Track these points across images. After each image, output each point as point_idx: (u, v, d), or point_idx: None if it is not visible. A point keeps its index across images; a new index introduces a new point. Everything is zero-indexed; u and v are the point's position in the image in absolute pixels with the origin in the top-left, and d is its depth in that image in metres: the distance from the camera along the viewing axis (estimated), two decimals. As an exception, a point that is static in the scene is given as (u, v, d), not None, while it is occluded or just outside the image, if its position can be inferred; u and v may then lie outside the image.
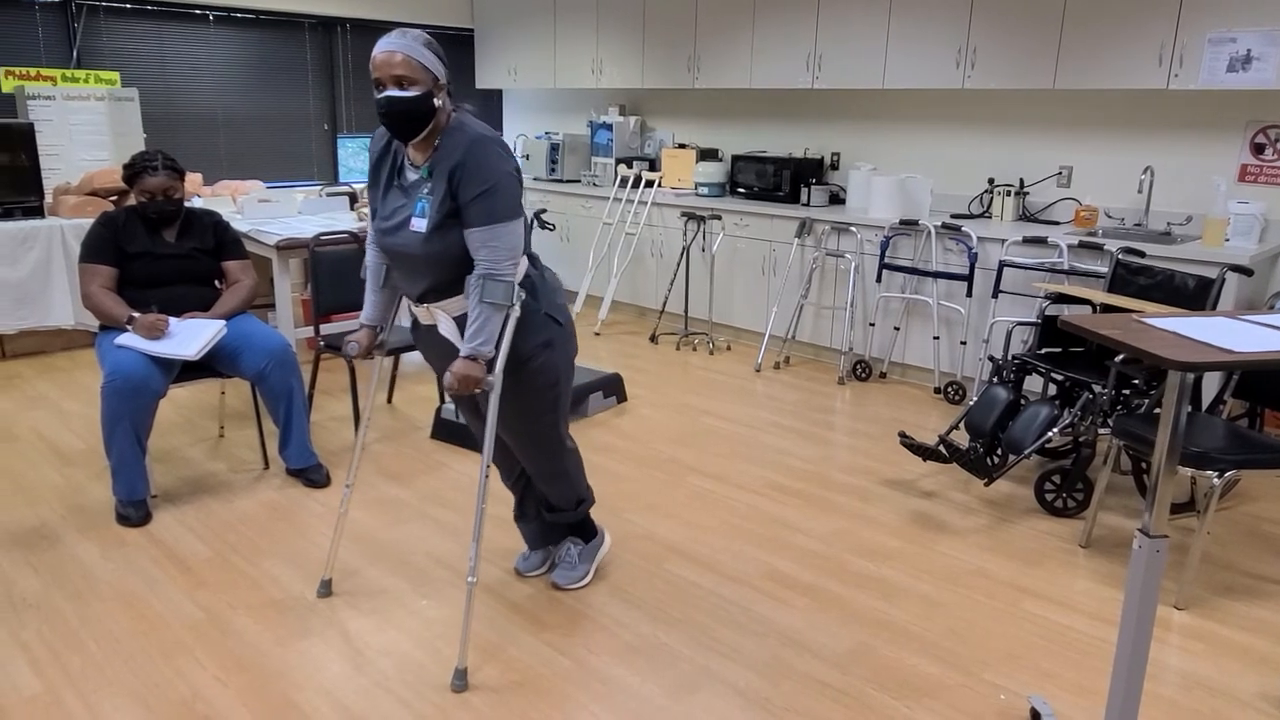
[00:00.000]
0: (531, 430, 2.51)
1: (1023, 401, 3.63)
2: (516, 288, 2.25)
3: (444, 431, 4.03)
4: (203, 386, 4.70)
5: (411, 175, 2.27)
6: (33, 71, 5.51)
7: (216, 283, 3.59)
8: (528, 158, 7.13)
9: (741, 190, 5.94)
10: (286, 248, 4.60)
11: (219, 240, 3.56)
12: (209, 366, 3.38)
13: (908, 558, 3.09)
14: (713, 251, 5.82)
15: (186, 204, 3.52)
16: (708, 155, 6.34)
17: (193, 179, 5.87)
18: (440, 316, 2.33)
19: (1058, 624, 2.70)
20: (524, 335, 2.34)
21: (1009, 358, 3.81)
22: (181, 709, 2.23)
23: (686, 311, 5.90)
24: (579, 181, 6.90)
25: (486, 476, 2.35)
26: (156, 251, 3.41)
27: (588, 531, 2.87)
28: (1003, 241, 4.59)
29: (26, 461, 3.70)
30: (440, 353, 2.45)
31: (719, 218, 5.74)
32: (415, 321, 2.47)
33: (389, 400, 4.58)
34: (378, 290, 2.51)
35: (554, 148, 6.92)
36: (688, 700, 2.32)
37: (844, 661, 2.49)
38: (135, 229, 3.40)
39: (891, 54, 5.09)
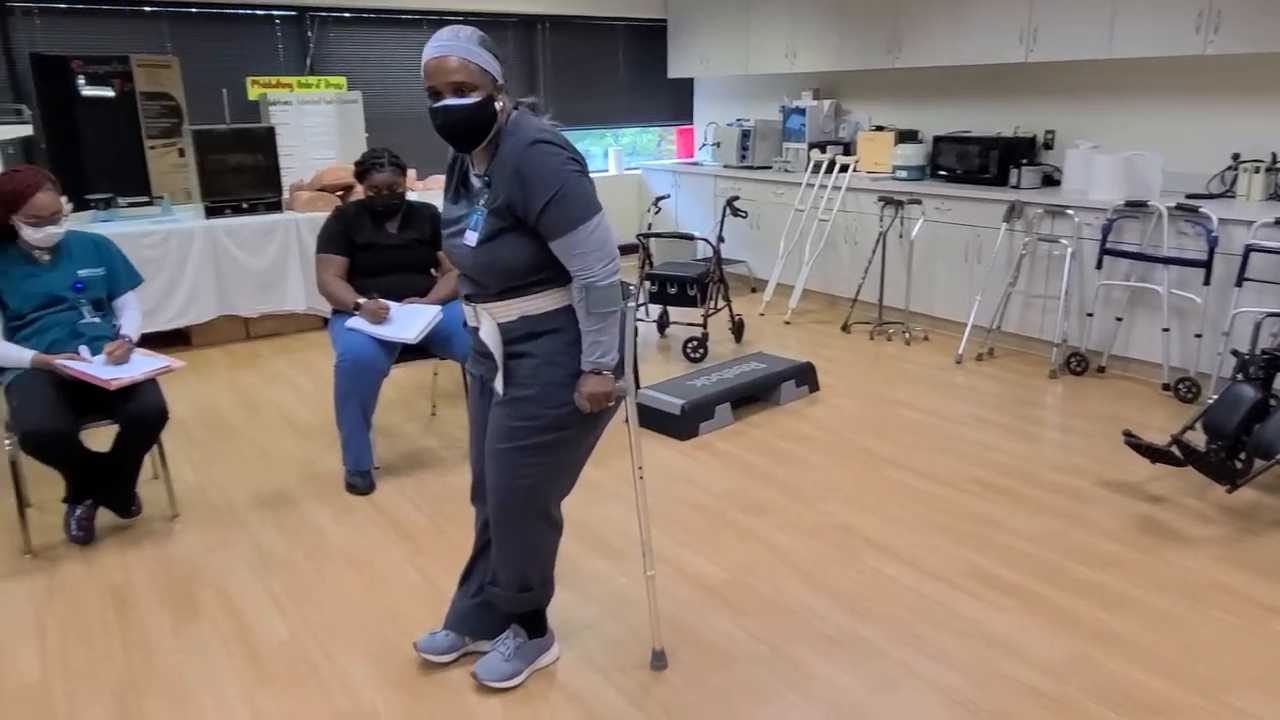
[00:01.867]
0: (522, 472, 2.12)
1: (1272, 402, 3.25)
2: (620, 285, 2.06)
3: (639, 415, 4.10)
4: (417, 367, 5.02)
5: (475, 183, 2.09)
6: (274, 80, 6.08)
7: (432, 270, 3.83)
8: (718, 145, 7.13)
9: (943, 173, 5.67)
10: (492, 237, 4.84)
11: (435, 231, 3.79)
12: (424, 349, 3.61)
13: (1132, 566, 2.85)
14: (911, 237, 5.59)
15: (407, 198, 3.77)
16: (907, 137, 6.09)
17: (409, 174, 6.29)
18: (484, 319, 2.11)
19: (1316, 650, 2.41)
20: (566, 358, 2.08)
21: (1257, 352, 3.43)
22: (407, 665, 2.40)
23: (881, 300, 5.72)
24: (770, 168, 6.83)
25: (641, 477, 2.33)
26: (381, 242, 3.67)
27: (535, 627, 2.37)
28: (1249, 224, 4.13)
29: (268, 432, 4.10)
30: (480, 352, 2.19)
31: (919, 202, 5.51)
32: (464, 320, 2.26)
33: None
34: None
35: (745, 134, 6.88)
36: (888, 696, 2.25)
37: (1059, 669, 2.34)
38: (363, 221, 3.67)
39: (1119, 20, 4.69)
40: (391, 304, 3.53)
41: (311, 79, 6.25)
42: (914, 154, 5.79)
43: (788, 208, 6.39)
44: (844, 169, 6.08)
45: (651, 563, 2.35)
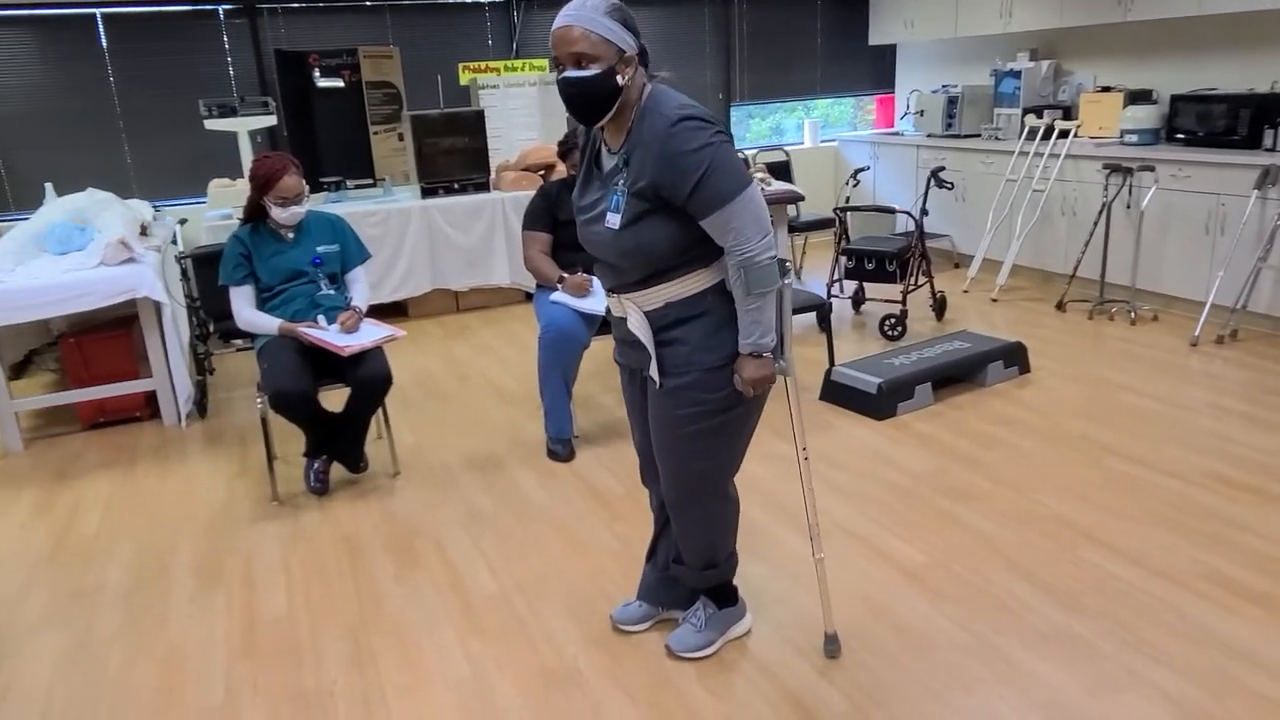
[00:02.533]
0: (697, 456, 2.11)
1: None
2: (778, 263, 1.95)
3: (832, 393, 4.03)
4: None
5: (608, 162, 2.02)
6: (482, 65, 6.38)
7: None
8: (922, 113, 6.81)
9: (1181, 136, 5.14)
10: (687, 212, 4.87)
11: (634, 206, 3.86)
12: (623, 322, 3.69)
13: None
14: (1141, 207, 5.12)
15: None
16: (1139, 98, 5.56)
17: (605, 152, 6.43)
18: (630, 309, 2.06)
19: None
20: (725, 337, 2.02)
21: None
22: (605, 625, 2.49)
23: (1103, 276, 5.27)
24: (979, 136, 6.45)
25: (805, 458, 2.25)
26: (583, 217, 3.78)
27: (725, 598, 2.38)
28: None
29: (478, 400, 4.35)
30: (628, 342, 2.15)
31: (1151, 169, 5.02)
32: (609, 310, 2.22)
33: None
34: None
35: (951, 101, 6.53)
36: (1110, 700, 2.10)
37: (1317, 690, 2.09)
38: (566, 199, 3.79)
39: None
40: (593, 278, 3.63)
41: (516, 62, 6.51)
42: (1146, 116, 5.28)
43: (998, 178, 6.01)
44: (1063, 135, 5.64)
45: (821, 545, 2.31)
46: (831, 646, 2.31)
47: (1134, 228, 5.19)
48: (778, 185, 5.26)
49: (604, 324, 3.65)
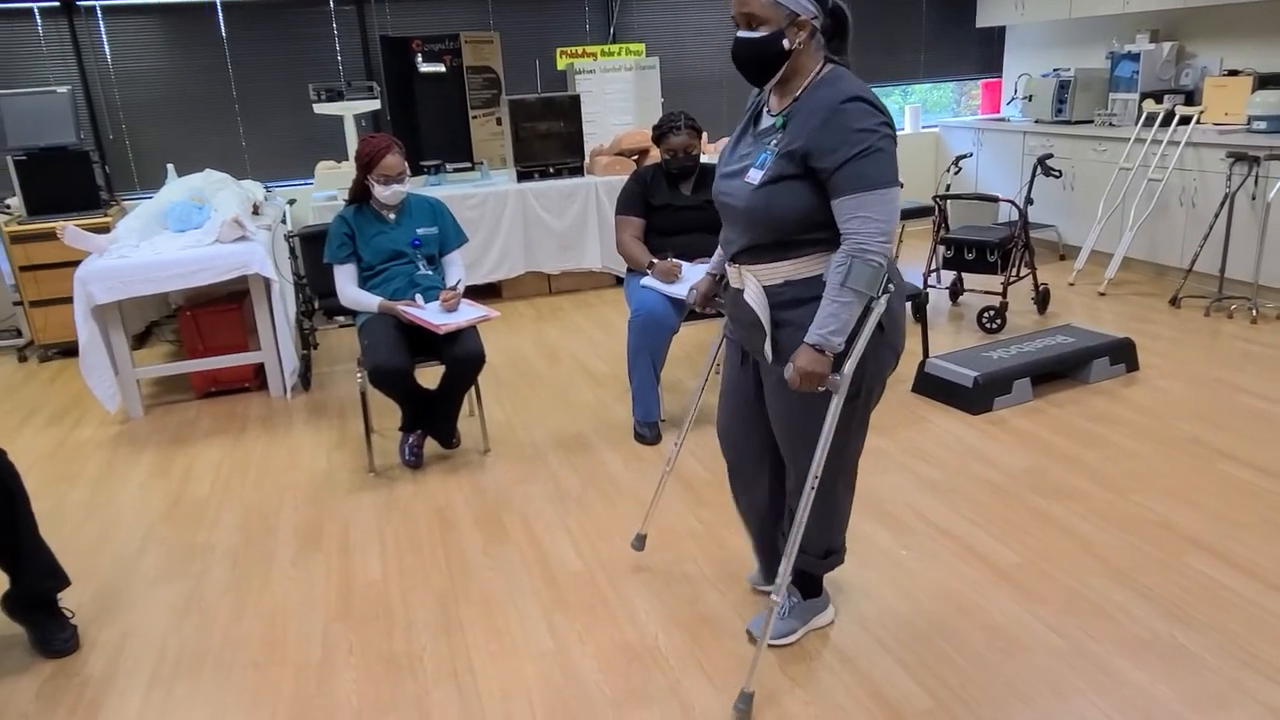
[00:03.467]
0: (804, 441, 2.09)
1: None
2: (884, 276, 1.90)
3: (926, 385, 3.94)
4: (704, 326, 5.15)
5: (766, 121, 2.04)
6: (579, 50, 6.43)
7: (723, 230, 3.88)
8: (1030, 98, 6.55)
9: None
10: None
11: (727, 191, 3.84)
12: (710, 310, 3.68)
13: None
14: (1268, 199, 4.81)
15: (701, 160, 3.84)
16: (1269, 82, 5.22)
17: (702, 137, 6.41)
18: (749, 280, 2.04)
19: None
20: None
21: None
22: (686, 606, 2.51)
23: (1223, 271, 4.99)
24: (1091, 122, 6.16)
25: (814, 488, 2.06)
26: (676, 204, 3.78)
27: (812, 588, 2.38)
28: None
29: (568, 380, 4.41)
30: (742, 320, 2.11)
31: None
32: (726, 282, 2.19)
33: (870, 350, 4.59)
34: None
35: (1063, 85, 6.26)
36: (1213, 714, 2.00)
37: None
38: (659, 183, 3.80)
39: None
40: (683, 263, 3.63)
41: (613, 47, 6.54)
42: (1278, 101, 4.96)
43: (1110, 166, 5.75)
44: (1184, 121, 5.34)
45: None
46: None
47: (1259, 220, 4.89)
48: (875, 172, 5.15)
49: (693, 310, 3.64)
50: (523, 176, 5.85)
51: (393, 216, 3.51)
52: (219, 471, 3.58)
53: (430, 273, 3.54)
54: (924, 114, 7.72)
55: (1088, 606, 2.42)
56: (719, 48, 6.96)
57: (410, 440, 3.51)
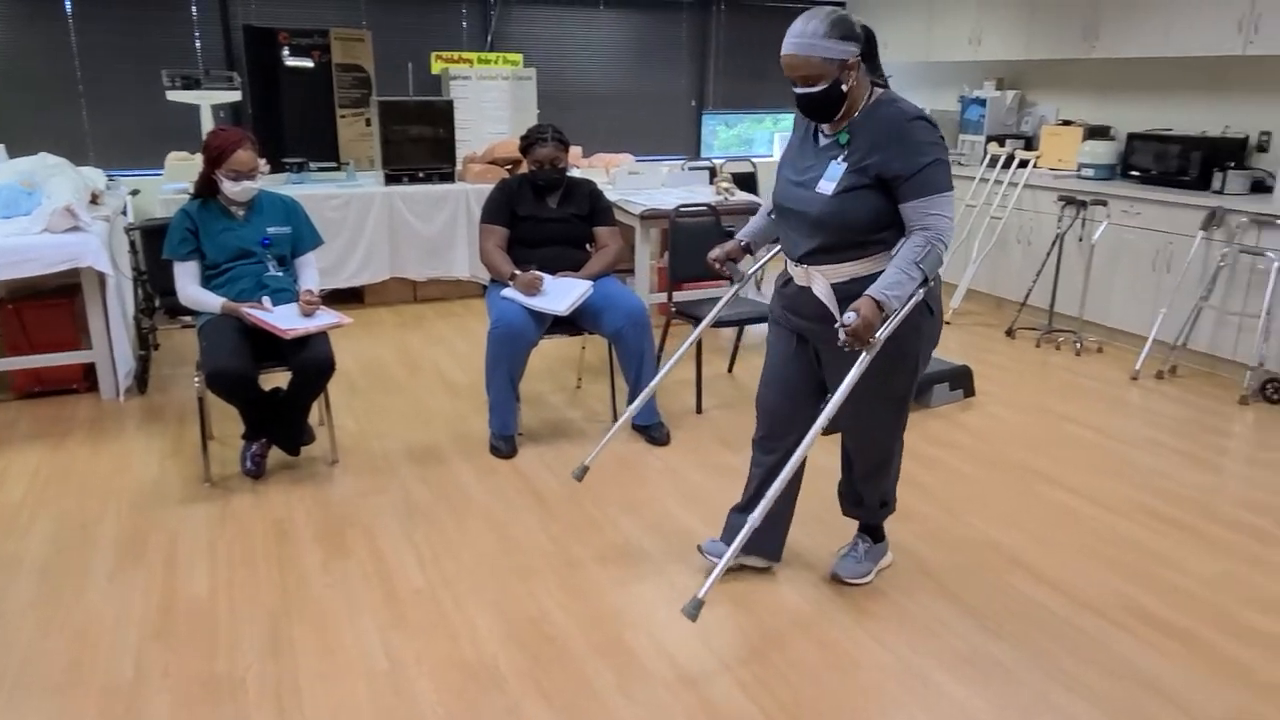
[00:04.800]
0: (883, 411, 2.46)
1: None
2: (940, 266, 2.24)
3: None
4: (566, 340, 5.15)
5: (825, 139, 2.33)
6: (455, 55, 6.34)
7: (587, 246, 3.89)
8: (890, 135, 6.88)
9: (1136, 173, 5.25)
10: (649, 217, 4.88)
11: (593, 207, 3.85)
12: (574, 322, 3.68)
13: (1320, 620, 2.57)
14: (1093, 241, 5.21)
15: (568, 173, 3.84)
16: (1097, 133, 5.67)
17: (573, 151, 6.42)
18: (816, 278, 2.35)
19: None
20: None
21: None
22: (530, 626, 2.47)
23: (1053, 306, 5.36)
24: (943, 161, 6.52)
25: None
26: (541, 215, 3.77)
27: (878, 534, 2.78)
28: None
29: (426, 391, 4.31)
30: (809, 313, 2.41)
31: (1104, 203, 5.13)
32: (789, 280, 2.47)
33: (729, 370, 4.69)
34: (765, 218, 2.67)
35: (919, 125, 6.60)
36: (1021, 726, 2.13)
37: (1221, 724, 2.14)
38: (526, 194, 3.78)
39: (1360, 11, 4.17)
40: (545, 276, 3.62)
41: (490, 55, 6.48)
42: (1104, 152, 5.39)
43: (959, 203, 6.10)
44: (1023, 164, 5.73)
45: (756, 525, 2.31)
46: (693, 611, 2.21)
47: (1084, 260, 5.29)
48: (741, 195, 5.28)
49: (556, 323, 3.63)
50: (391, 179, 5.70)
51: (242, 213, 3.34)
52: (36, 478, 3.31)
53: (280, 274, 3.39)
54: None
55: (915, 622, 2.53)
56: (600, 63, 7.01)
57: (252, 449, 3.35)
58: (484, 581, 2.69)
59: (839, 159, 2.26)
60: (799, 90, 2.23)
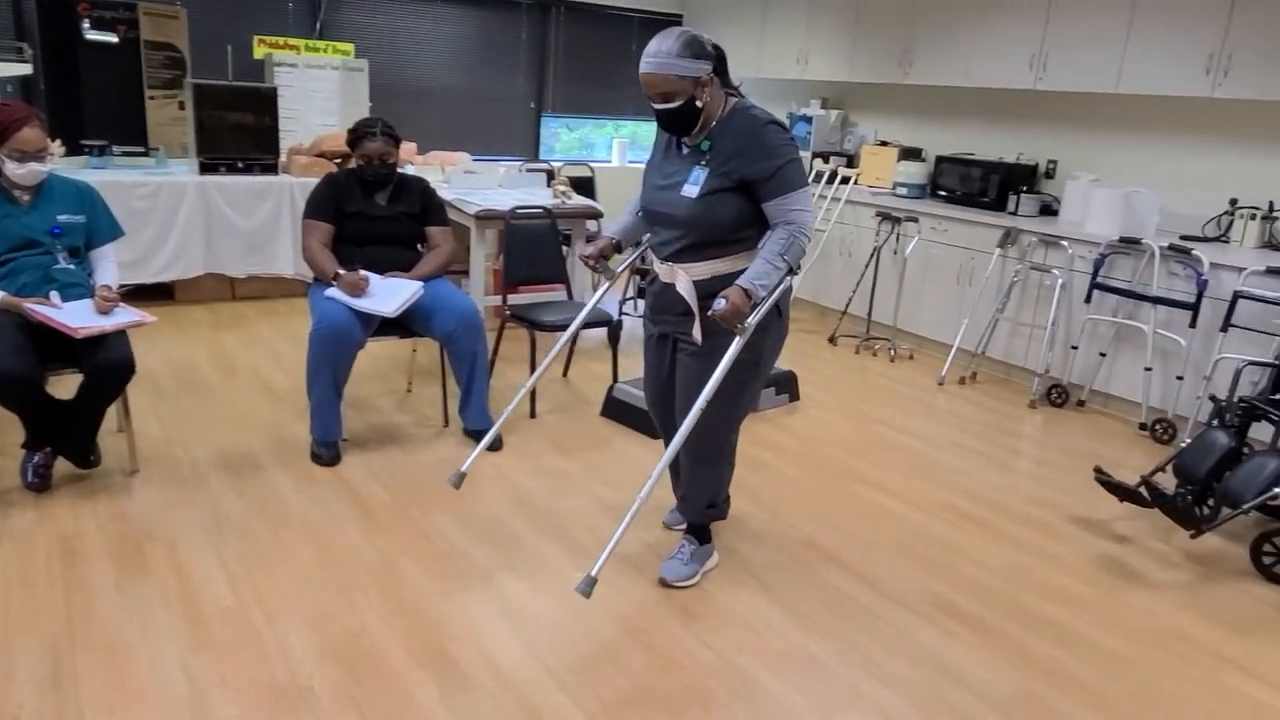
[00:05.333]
0: (713, 402, 2.50)
1: (1245, 450, 3.24)
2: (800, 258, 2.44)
3: (614, 410, 4.08)
4: (397, 342, 4.98)
5: (686, 149, 2.52)
6: (280, 41, 6.01)
7: (419, 245, 3.78)
8: (723, 146, 7.09)
9: (943, 193, 5.65)
10: (485, 218, 4.80)
11: (425, 206, 3.75)
12: (404, 324, 3.56)
13: (1092, 605, 2.84)
14: (905, 255, 5.57)
15: (400, 170, 3.72)
16: (910, 154, 6.06)
17: (408, 148, 6.24)
18: (680, 276, 2.52)
19: (1262, 702, 2.40)
20: (757, 309, 2.44)
21: (1235, 400, 3.41)
22: (349, 640, 2.37)
23: (870, 315, 5.69)
24: (773, 174, 6.78)
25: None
26: (369, 212, 3.63)
27: (704, 535, 2.87)
28: (1240, 270, 4.12)
29: (242, 394, 4.06)
30: (672, 310, 2.60)
31: (915, 220, 5.49)
32: (655, 279, 2.65)
33: (564, 374, 4.69)
34: (633, 216, 2.79)
35: (751, 138, 6.84)
36: (834, 718, 2.23)
37: (1007, 705, 2.32)
38: (353, 190, 3.63)
39: (1130, 56, 4.67)
40: (373, 276, 3.49)
41: (319, 43, 6.19)
42: (916, 172, 5.77)
43: (786, 215, 6.35)
44: (845, 181, 6.05)
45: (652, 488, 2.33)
46: (586, 587, 2.25)
47: (898, 273, 5.64)
48: (578, 199, 5.29)
49: (385, 324, 3.51)
50: (206, 168, 5.33)
51: (27, 199, 3.03)
52: None
53: (72, 267, 3.10)
54: (635, 149, 8.10)
55: (739, 624, 2.60)
56: (436, 58, 6.84)
57: (35, 460, 3.03)
58: (300, 597, 2.55)
59: (702, 164, 2.45)
60: (658, 106, 2.40)
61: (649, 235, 2.69)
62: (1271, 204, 4.52)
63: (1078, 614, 2.78)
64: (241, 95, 5.40)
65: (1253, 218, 4.45)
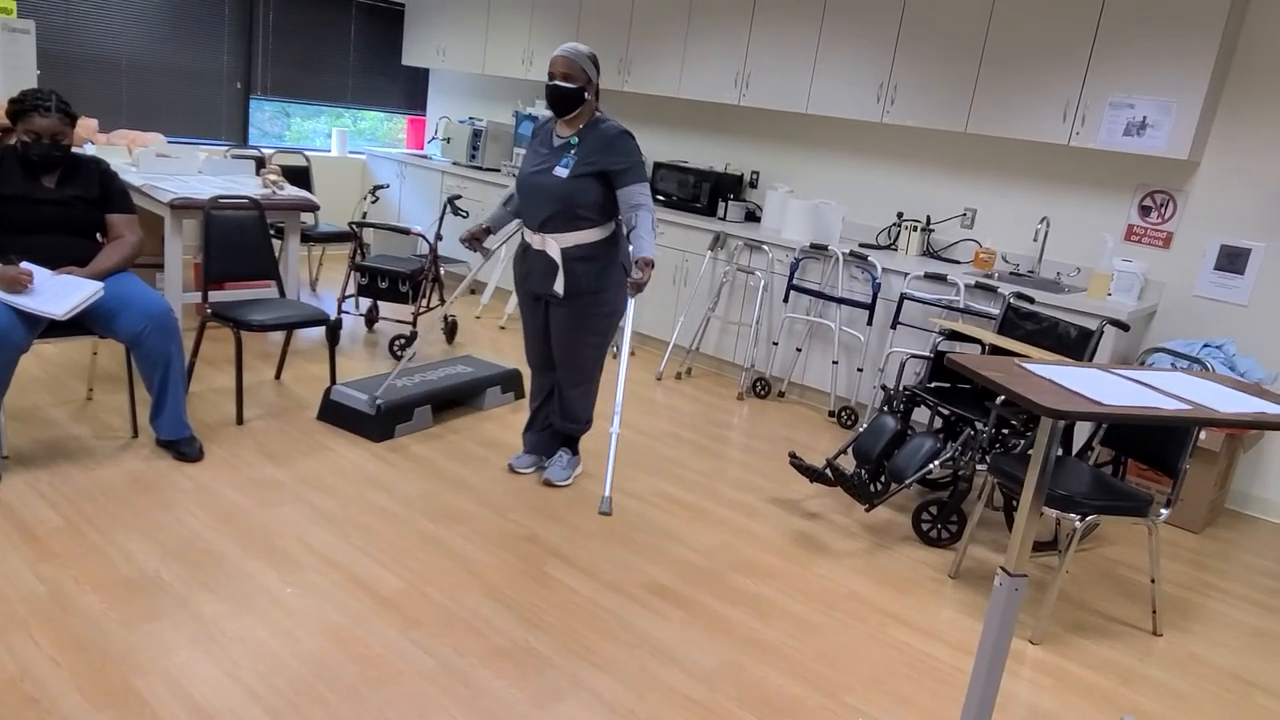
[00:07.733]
0: (588, 347, 3.39)
1: (910, 432, 3.73)
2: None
3: (332, 413, 3.90)
4: (73, 344, 4.43)
5: (558, 141, 3.28)
6: (-84, -11, 5.10)
7: (98, 235, 3.39)
8: (449, 140, 6.99)
9: (660, 198, 5.95)
10: (181, 207, 4.38)
11: (104, 191, 3.36)
12: (81, 324, 3.18)
13: (785, 577, 3.13)
14: (626, 256, 5.80)
15: (75, 150, 3.30)
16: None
17: (86, 124, 5.54)
18: (550, 243, 3.27)
19: (921, 651, 2.78)
20: (609, 272, 3.32)
21: (900, 388, 3.92)
22: (7, 689, 2.08)
23: (595, 313, 5.87)
24: (499, 170, 6.80)
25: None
26: (33, 196, 3.19)
27: (574, 445, 3.68)
28: (905, 275, 4.72)
29: None
30: (545, 271, 3.32)
31: (636, 223, 5.73)
32: (527, 247, 3.38)
33: (277, 376, 4.40)
34: (503, 208, 3.53)
35: (476, 134, 6.81)
36: (552, 709, 2.29)
37: (712, 678, 2.51)
38: (12, 170, 3.18)
39: (817, 80, 5.18)
40: (39, 271, 3.08)
41: (-32, -4, 5.32)
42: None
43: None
44: (570, 182, 6.18)
45: (619, 423, 2.75)
46: (606, 508, 3.07)
47: (622, 273, 5.86)
48: (291, 190, 4.97)
49: (52, 326, 3.10)
50: None
51: None
52: None
53: None
54: (368, 141, 7.76)
55: (460, 624, 2.59)
56: (122, 27, 6.12)
57: None
58: (-58, 643, 2.20)
59: (571, 155, 3.22)
60: (557, 83, 3.17)
61: (516, 221, 3.44)
62: (929, 218, 5.23)
63: (773, 586, 3.06)
64: None
65: (914, 229, 5.12)
